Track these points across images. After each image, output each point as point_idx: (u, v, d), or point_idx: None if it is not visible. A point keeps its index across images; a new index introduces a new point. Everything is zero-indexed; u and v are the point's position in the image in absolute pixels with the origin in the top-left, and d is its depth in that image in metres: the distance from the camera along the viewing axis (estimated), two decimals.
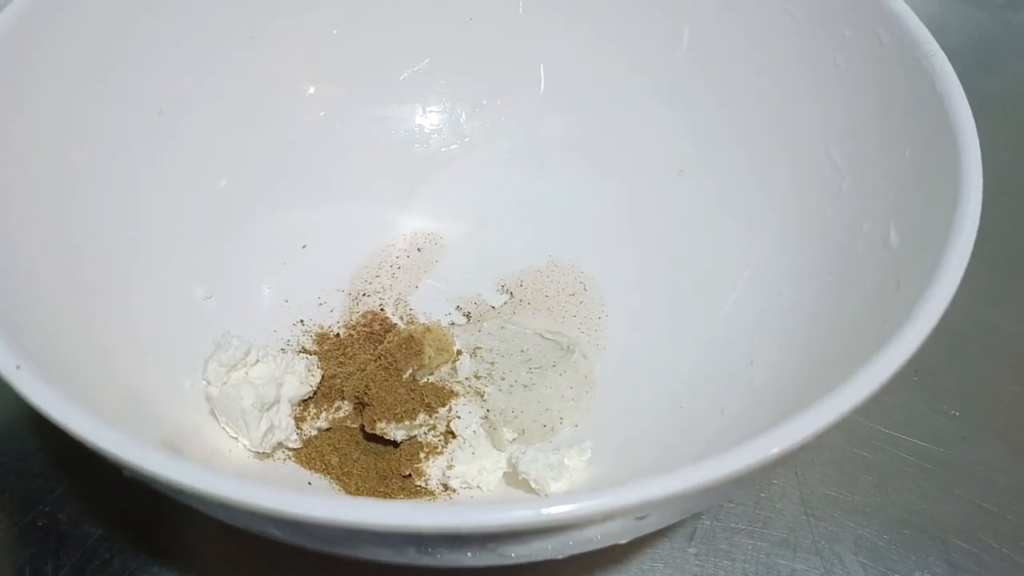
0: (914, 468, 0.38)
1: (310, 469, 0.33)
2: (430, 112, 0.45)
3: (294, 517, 0.19)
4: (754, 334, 0.35)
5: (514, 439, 0.35)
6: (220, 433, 0.33)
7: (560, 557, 0.25)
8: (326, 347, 0.38)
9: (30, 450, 0.39)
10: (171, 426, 0.32)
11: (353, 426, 0.35)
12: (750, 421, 0.30)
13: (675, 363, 0.37)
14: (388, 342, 0.35)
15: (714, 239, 0.39)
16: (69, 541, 0.36)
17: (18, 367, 0.23)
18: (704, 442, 0.32)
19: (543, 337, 0.39)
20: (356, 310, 0.40)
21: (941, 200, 0.27)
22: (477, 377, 0.36)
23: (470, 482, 0.33)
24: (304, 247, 0.42)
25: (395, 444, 0.34)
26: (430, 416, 0.34)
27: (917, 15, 0.32)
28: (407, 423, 0.33)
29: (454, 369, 0.36)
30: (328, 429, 0.35)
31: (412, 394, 0.34)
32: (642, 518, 0.22)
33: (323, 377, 0.36)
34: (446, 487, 0.33)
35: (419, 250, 0.42)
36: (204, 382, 0.33)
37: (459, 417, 0.35)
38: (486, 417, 0.35)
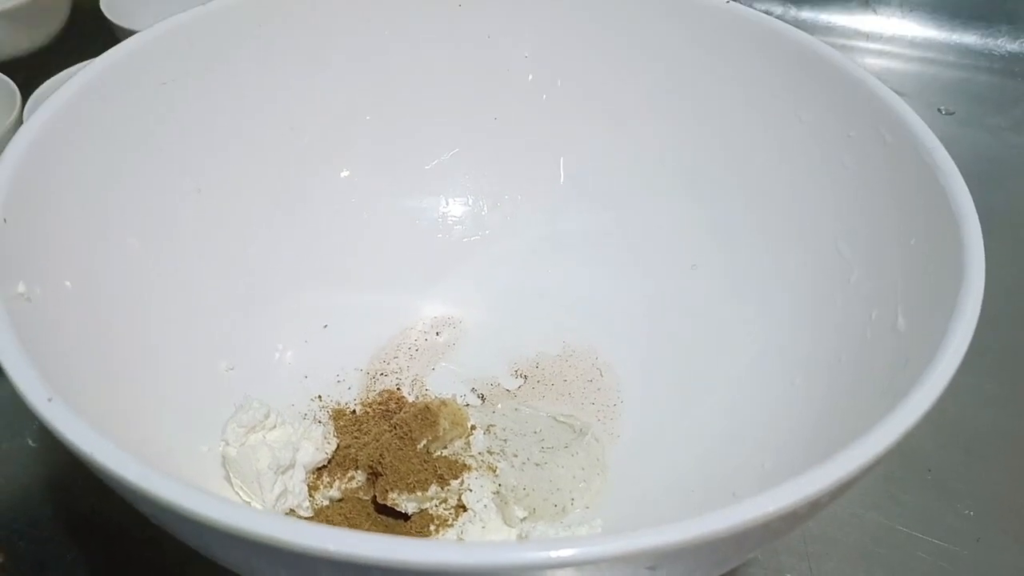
0: (929, 567, 0.38)
1: None
2: (454, 203, 0.47)
3: (344, 558, 0.20)
4: (766, 421, 0.35)
5: (524, 517, 0.35)
6: (234, 497, 0.33)
7: None
8: (342, 423, 0.38)
9: (43, 517, 0.39)
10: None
11: (365, 498, 0.35)
12: None
13: (687, 449, 0.37)
14: (404, 412, 0.36)
15: (727, 330, 0.40)
16: None
17: (49, 400, 0.23)
18: None
19: (556, 420, 0.39)
20: (373, 388, 0.41)
21: (947, 281, 0.28)
22: (490, 453, 0.37)
23: None
24: (326, 326, 0.43)
25: (406, 517, 0.34)
26: (442, 488, 0.34)
27: None
28: (419, 494, 0.34)
29: (468, 444, 0.37)
30: (340, 499, 0.35)
31: (425, 465, 0.34)
32: (653, 568, 0.22)
33: (338, 446, 0.36)
34: None
35: (437, 334, 0.43)
36: (222, 442, 0.34)
37: (471, 490, 0.35)
38: (498, 492, 0.35)
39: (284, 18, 0.40)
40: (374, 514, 0.35)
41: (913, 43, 0.72)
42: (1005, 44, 0.71)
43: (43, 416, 0.23)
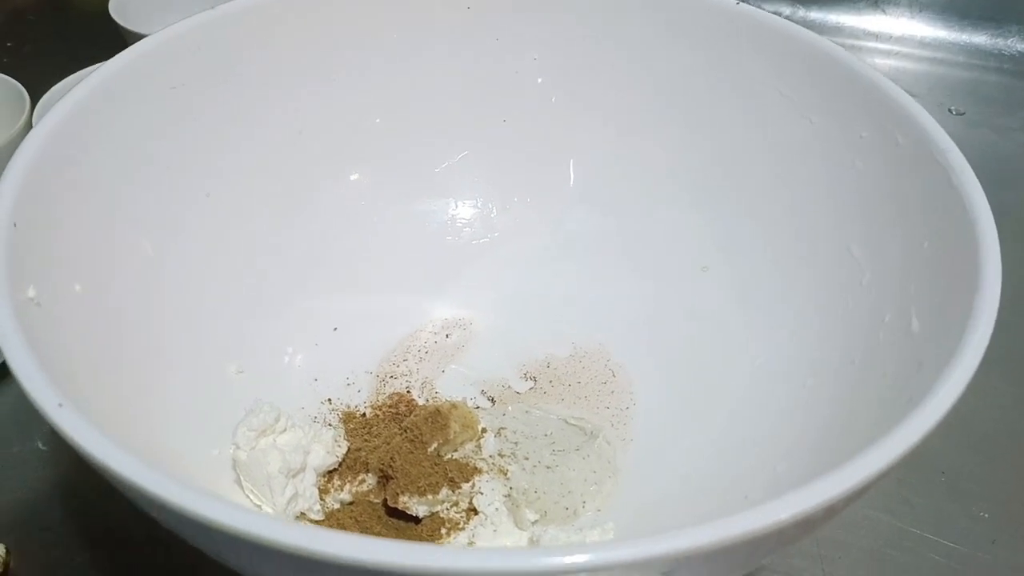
0: (943, 569, 0.38)
1: None
2: (463, 206, 0.47)
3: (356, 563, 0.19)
4: (777, 424, 0.35)
5: (536, 520, 0.34)
6: (245, 501, 0.33)
7: None
8: (352, 426, 0.38)
9: (53, 520, 0.39)
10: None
11: (375, 501, 0.35)
12: None
13: (698, 451, 0.37)
14: (415, 415, 0.36)
15: (738, 333, 0.40)
16: None
17: (60, 405, 0.23)
18: None
19: (567, 422, 0.39)
20: (383, 391, 0.41)
21: (962, 283, 0.28)
22: (501, 456, 0.37)
23: None
24: (335, 329, 0.43)
25: (416, 520, 0.34)
26: (453, 491, 0.34)
27: None
28: (430, 497, 0.34)
29: (479, 447, 0.37)
30: (351, 503, 0.35)
31: (436, 468, 0.34)
32: (667, 574, 0.22)
33: (349, 449, 0.36)
34: None
35: (447, 336, 0.43)
36: (233, 446, 0.34)
37: (482, 493, 0.35)
38: (509, 495, 0.35)
39: (293, 21, 0.40)
40: (385, 517, 0.35)
41: (922, 43, 0.72)
42: (1015, 44, 0.71)
43: (54, 421, 0.23)
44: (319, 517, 0.34)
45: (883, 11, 0.72)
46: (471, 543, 0.33)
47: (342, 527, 0.34)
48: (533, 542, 0.33)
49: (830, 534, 0.39)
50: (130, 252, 0.35)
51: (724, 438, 0.36)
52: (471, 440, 0.37)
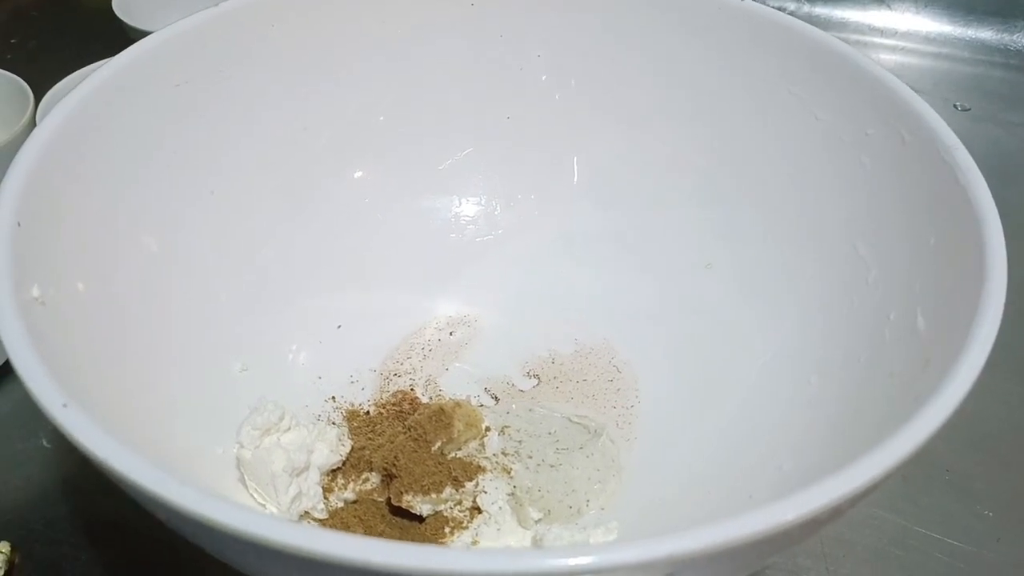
0: (947, 568, 0.38)
1: None
2: (467, 203, 0.46)
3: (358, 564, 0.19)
4: (782, 422, 0.35)
5: (539, 519, 0.34)
6: (249, 499, 0.33)
7: None
8: (355, 423, 0.38)
9: (58, 517, 0.39)
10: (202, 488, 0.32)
11: (379, 500, 0.35)
12: None
13: (703, 449, 0.37)
14: (419, 414, 0.36)
15: (743, 330, 0.40)
16: None
17: (64, 405, 0.23)
18: None
19: (571, 421, 0.39)
20: (387, 389, 0.41)
21: (967, 282, 0.28)
22: (505, 454, 0.37)
23: None
24: (339, 327, 0.43)
25: (420, 519, 0.34)
26: (457, 490, 0.34)
27: None
28: (434, 496, 0.34)
29: (482, 445, 0.37)
30: (355, 501, 0.35)
31: (440, 467, 0.34)
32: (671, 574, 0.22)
33: (353, 448, 0.36)
34: None
35: (451, 334, 0.43)
36: (237, 444, 0.34)
37: (486, 492, 0.35)
38: (513, 494, 0.35)
39: (297, 18, 0.40)
40: (389, 516, 0.35)
41: (928, 39, 0.71)
42: (1021, 39, 0.70)
43: (59, 422, 0.23)
44: (323, 516, 0.34)
45: (888, 6, 0.72)
46: (475, 542, 0.33)
47: (346, 526, 0.34)
48: (537, 541, 0.33)
49: (834, 532, 0.39)
50: (134, 250, 0.35)
51: (728, 436, 0.36)
52: (475, 439, 0.36)
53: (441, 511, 0.34)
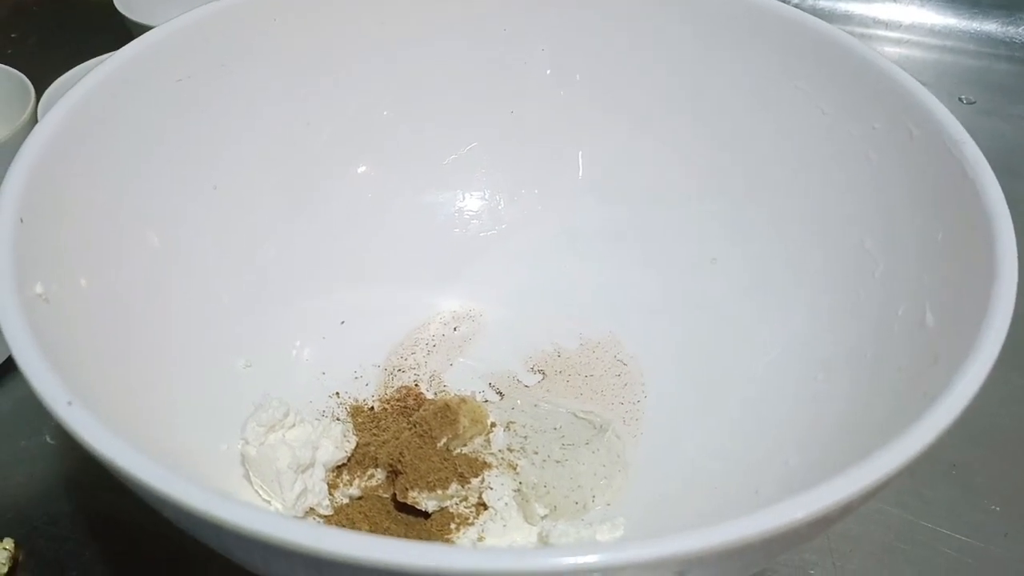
0: (955, 563, 0.38)
1: None
2: (470, 198, 0.46)
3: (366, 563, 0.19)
4: (788, 418, 0.35)
5: (545, 515, 0.34)
6: (254, 496, 0.33)
7: None
8: (360, 419, 0.38)
9: (61, 514, 0.39)
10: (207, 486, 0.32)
11: (385, 496, 0.35)
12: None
13: (709, 445, 0.36)
14: (424, 410, 0.36)
15: (749, 325, 0.40)
16: None
17: (69, 403, 0.23)
18: None
19: (576, 416, 0.39)
20: (391, 385, 0.40)
21: (977, 277, 0.28)
22: (510, 450, 0.36)
23: None
24: (343, 323, 0.42)
25: (426, 515, 0.34)
26: (462, 486, 0.34)
27: None
28: (439, 492, 0.33)
29: (488, 441, 0.36)
30: (360, 497, 0.35)
31: (445, 463, 0.34)
32: (681, 573, 0.21)
33: (358, 444, 0.36)
34: None
35: (455, 329, 0.43)
36: (242, 441, 0.34)
37: (491, 488, 0.34)
38: (519, 490, 0.35)
39: (300, 13, 0.39)
40: (394, 512, 0.35)
41: (933, 31, 0.71)
42: None
43: (64, 420, 0.23)
44: (328, 512, 0.34)
45: None
46: (480, 538, 0.33)
47: (351, 522, 0.34)
48: (543, 537, 0.33)
49: (841, 527, 0.39)
50: (136, 246, 0.35)
51: (735, 431, 0.36)
52: (480, 435, 0.36)
53: (447, 507, 0.34)
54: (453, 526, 0.34)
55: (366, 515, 0.34)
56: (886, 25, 0.72)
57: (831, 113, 0.37)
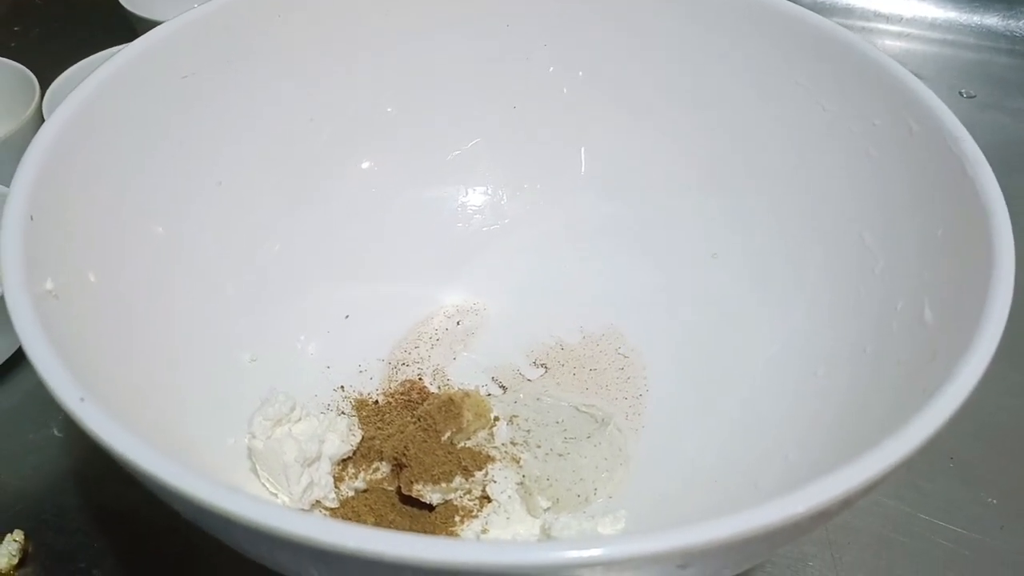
0: (952, 555, 0.38)
1: None
2: (473, 193, 0.47)
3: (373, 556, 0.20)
4: (788, 412, 0.35)
5: (548, 507, 0.35)
6: (261, 489, 0.34)
7: None
8: (365, 413, 0.39)
9: (69, 506, 0.39)
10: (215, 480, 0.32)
11: (390, 488, 0.35)
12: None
13: (709, 438, 0.37)
14: (428, 404, 0.36)
15: (749, 320, 0.40)
16: None
17: (82, 399, 0.23)
18: None
19: (578, 410, 0.39)
20: (395, 378, 0.41)
21: (975, 273, 0.28)
22: (514, 444, 0.37)
23: None
24: (347, 317, 0.43)
25: (430, 508, 0.35)
26: (466, 479, 0.34)
27: None
28: (443, 485, 0.34)
29: (491, 435, 0.37)
30: (365, 490, 0.35)
31: (450, 457, 0.35)
32: (683, 566, 0.22)
33: (363, 438, 0.36)
34: None
35: (458, 324, 0.43)
36: (249, 435, 0.34)
37: (495, 481, 0.35)
38: (522, 483, 0.35)
39: (303, 9, 0.40)
40: (399, 505, 0.35)
41: (933, 24, 0.71)
42: None
43: (77, 416, 0.23)
44: (334, 505, 0.34)
45: None
46: (484, 530, 0.34)
47: (357, 515, 0.34)
48: (545, 530, 0.33)
49: (839, 520, 0.39)
50: (143, 241, 0.35)
51: (735, 426, 0.37)
52: (484, 428, 0.37)
53: (451, 500, 0.35)
54: (457, 519, 0.34)
55: (371, 508, 0.34)
56: (887, 18, 0.72)
57: (832, 109, 0.38)
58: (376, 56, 0.42)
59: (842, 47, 0.37)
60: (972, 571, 0.37)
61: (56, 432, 0.42)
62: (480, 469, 0.35)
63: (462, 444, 0.36)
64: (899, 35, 0.71)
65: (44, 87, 0.52)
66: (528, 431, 0.38)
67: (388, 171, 0.45)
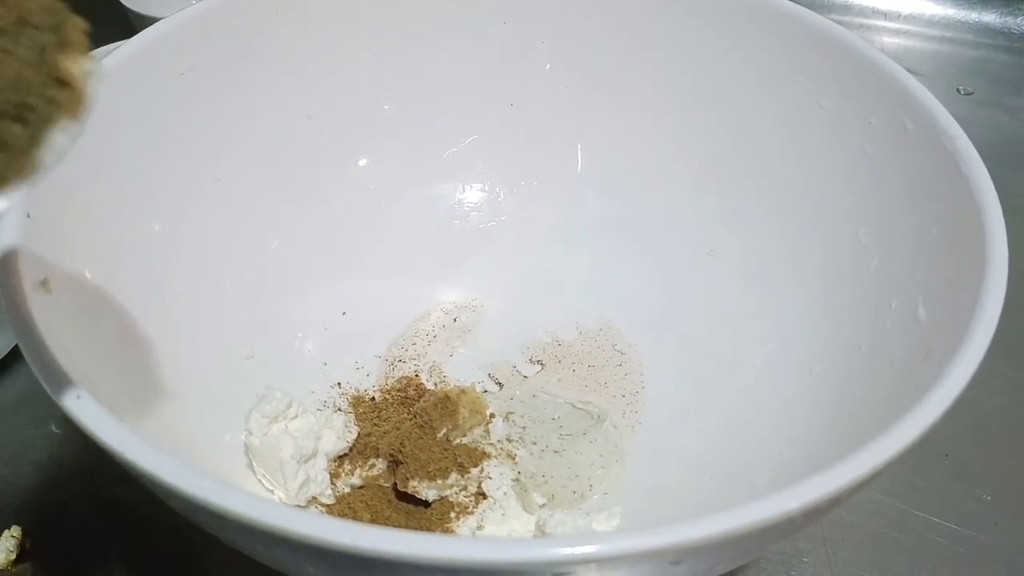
0: (946, 551, 0.38)
1: None
2: (470, 190, 0.47)
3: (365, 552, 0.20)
4: (783, 409, 0.36)
5: (543, 504, 0.35)
6: (257, 486, 0.34)
7: None
8: (361, 409, 0.39)
9: (68, 503, 0.39)
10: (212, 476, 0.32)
11: (386, 485, 0.36)
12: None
13: (704, 435, 0.37)
14: (424, 401, 0.36)
15: (745, 317, 0.40)
16: None
17: (79, 397, 0.24)
18: None
19: (574, 406, 0.39)
20: (391, 375, 0.41)
21: (969, 271, 0.28)
22: (509, 440, 0.37)
23: None
24: (344, 314, 0.43)
25: (426, 504, 0.35)
26: (462, 476, 0.35)
27: None
28: (439, 482, 0.34)
29: (487, 431, 0.37)
30: (361, 487, 0.35)
31: (445, 453, 0.35)
32: (676, 563, 0.22)
33: (359, 434, 0.37)
34: None
35: (455, 320, 0.44)
36: (246, 432, 0.34)
37: (490, 478, 0.35)
38: (517, 479, 0.35)
39: (302, 7, 0.40)
40: (395, 501, 0.35)
41: (931, 22, 0.71)
42: None
43: (73, 415, 0.23)
44: (330, 501, 0.34)
45: None
46: (480, 527, 0.34)
47: (353, 511, 0.34)
48: (540, 526, 0.33)
49: (834, 516, 0.39)
50: (140, 238, 0.36)
51: (730, 423, 0.37)
52: (480, 425, 0.37)
53: (447, 496, 0.35)
54: (453, 515, 0.34)
55: (367, 504, 0.34)
56: (885, 15, 0.72)
57: (829, 108, 0.38)
58: (374, 53, 0.42)
59: (839, 46, 0.37)
60: (966, 567, 0.37)
61: (54, 428, 0.42)
62: (476, 466, 0.35)
63: (458, 441, 0.36)
64: (897, 32, 0.71)
65: None
66: (524, 428, 0.38)
67: (385, 168, 0.45)
